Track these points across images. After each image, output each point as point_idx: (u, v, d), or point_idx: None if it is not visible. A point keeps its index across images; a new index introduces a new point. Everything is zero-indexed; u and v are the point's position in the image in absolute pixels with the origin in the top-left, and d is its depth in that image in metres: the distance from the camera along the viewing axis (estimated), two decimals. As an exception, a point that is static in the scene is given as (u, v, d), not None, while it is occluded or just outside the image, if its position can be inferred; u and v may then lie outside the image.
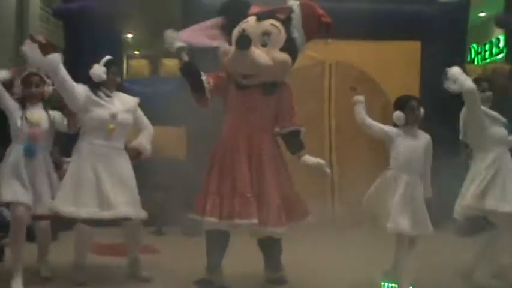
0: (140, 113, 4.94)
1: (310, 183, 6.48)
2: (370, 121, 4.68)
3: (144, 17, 8.02)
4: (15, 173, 4.52)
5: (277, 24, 4.42)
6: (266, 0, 4.65)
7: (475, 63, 14.38)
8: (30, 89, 4.70)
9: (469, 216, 4.85)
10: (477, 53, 14.84)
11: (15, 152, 4.60)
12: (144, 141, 4.85)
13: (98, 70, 4.64)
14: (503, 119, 4.95)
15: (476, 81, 4.82)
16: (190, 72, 4.43)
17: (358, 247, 5.67)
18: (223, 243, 4.58)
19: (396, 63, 7.17)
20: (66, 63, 4.84)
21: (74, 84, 4.52)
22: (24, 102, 4.71)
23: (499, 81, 5.19)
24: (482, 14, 13.88)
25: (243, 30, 4.37)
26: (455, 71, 4.61)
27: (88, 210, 4.39)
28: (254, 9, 4.62)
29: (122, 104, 4.74)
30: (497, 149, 4.83)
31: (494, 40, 14.35)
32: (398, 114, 4.59)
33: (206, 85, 4.40)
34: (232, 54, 4.32)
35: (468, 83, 4.58)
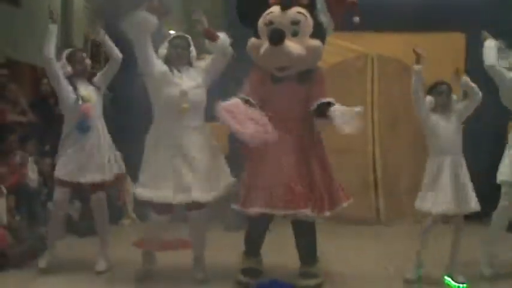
0: None
1: (353, 178, 6.54)
2: (420, 95, 4.58)
3: (185, 14, 8.04)
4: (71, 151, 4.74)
5: (303, 11, 4.30)
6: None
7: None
8: (74, 66, 4.85)
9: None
10: (525, 44, 14.49)
11: (68, 129, 4.78)
12: None
13: (161, 49, 4.67)
14: None
15: None
16: None
17: (402, 242, 5.62)
18: (264, 230, 4.58)
19: (440, 55, 7.04)
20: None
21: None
22: (72, 80, 4.82)
23: None
24: (529, 4, 13.57)
25: (272, 24, 4.28)
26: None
27: (163, 194, 4.37)
28: None
29: (193, 80, 4.60)
30: None
31: (543, 30, 13.98)
32: (428, 99, 4.61)
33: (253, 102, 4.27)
34: (265, 49, 4.23)
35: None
